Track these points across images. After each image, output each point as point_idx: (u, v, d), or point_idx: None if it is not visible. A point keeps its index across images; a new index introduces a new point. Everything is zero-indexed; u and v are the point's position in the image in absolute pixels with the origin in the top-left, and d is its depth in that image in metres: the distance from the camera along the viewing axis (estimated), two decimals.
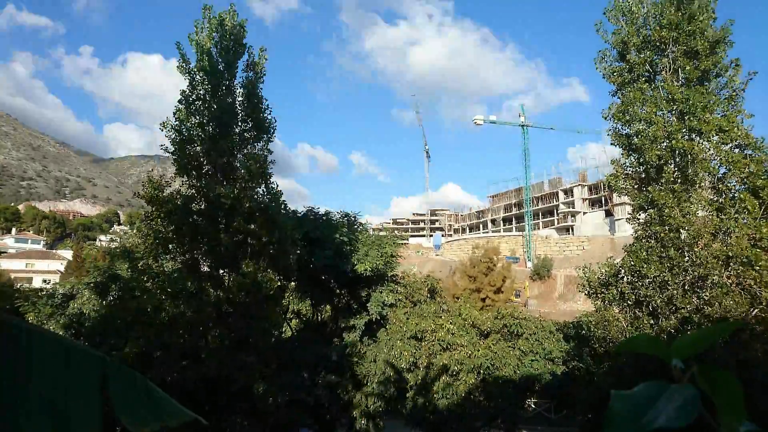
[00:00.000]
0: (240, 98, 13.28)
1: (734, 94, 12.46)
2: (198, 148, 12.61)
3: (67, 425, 1.19)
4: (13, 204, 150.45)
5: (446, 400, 16.99)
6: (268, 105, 13.55)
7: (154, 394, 1.39)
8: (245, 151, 13.21)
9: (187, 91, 12.77)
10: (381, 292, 18.03)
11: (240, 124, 13.20)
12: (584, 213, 78.31)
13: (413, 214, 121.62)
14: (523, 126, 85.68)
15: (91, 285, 18.16)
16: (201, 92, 12.77)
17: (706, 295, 11.21)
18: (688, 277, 11.55)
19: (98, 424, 1.24)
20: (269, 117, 13.53)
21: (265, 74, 13.58)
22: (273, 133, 13.64)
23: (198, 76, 12.73)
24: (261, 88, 13.53)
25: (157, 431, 1.34)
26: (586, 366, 16.44)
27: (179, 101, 12.69)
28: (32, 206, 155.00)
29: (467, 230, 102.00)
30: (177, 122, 12.58)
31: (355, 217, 19.39)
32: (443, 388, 17.20)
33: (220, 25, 12.89)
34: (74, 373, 1.27)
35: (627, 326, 12.38)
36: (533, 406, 27.40)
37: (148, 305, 12.22)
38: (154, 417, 1.34)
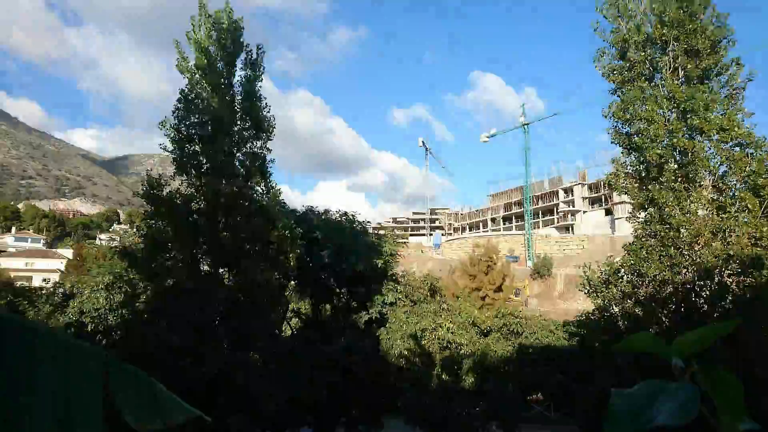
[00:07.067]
0: (239, 97, 13.26)
1: (734, 92, 12.46)
2: (197, 147, 12.59)
3: (70, 423, 1.20)
4: (12, 203, 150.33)
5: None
6: (267, 104, 13.54)
7: (157, 391, 1.39)
8: (244, 149, 13.20)
9: (186, 89, 12.75)
10: (381, 291, 18.03)
11: (239, 122, 13.18)
12: (584, 212, 78.29)
13: (413, 212, 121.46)
14: (524, 125, 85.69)
15: (100, 287, 18.20)
16: (200, 91, 12.74)
17: (706, 294, 11.21)
18: (688, 276, 11.54)
19: (100, 422, 1.24)
20: (268, 115, 13.52)
21: (263, 72, 13.57)
22: (272, 131, 13.62)
23: (197, 75, 12.70)
24: (260, 87, 13.51)
25: (162, 429, 1.34)
26: (586, 365, 16.44)
27: (178, 100, 12.67)
28: (32, 205, 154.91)
29: (467, 229, 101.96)
30: (176, 121, 12.57)
31: (354, 216, 19.38)
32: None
33: (218, 23, 12.85)
34: (76, 369, 1.27)
35: (627, 325, 12.38)
36: (534, 406, 27.42)
37: (149, 304, 12.22)
38: (158, 414, 1.34)
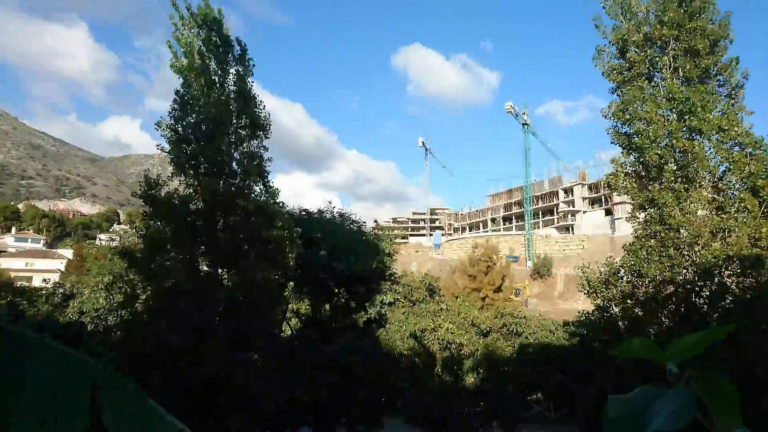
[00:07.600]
0: (234, 95, 13.21)
1: (733, 92, 12.45)
2: (194, 147, 12.57)
3: None
4: (12, 203, 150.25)
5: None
6: (261, 101, 13.52)
7: (145, 404, 1.36)
8: (241, 149, 13.18)
9: (182, 90, 12.71)
10: (379, 292, 18.01)
11: (235, 121, 13.14)
12: (584, 212, 78.30)
13: (413, 213, 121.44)
14: (524, 125, 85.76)
15: (100, 287, 18.21)
16: (195, 91, 12.70)
17: (706, 294, 11.20)
18: (688, 276, 11.53)
19: None
20: (263, 113, 13.48)
21: (254, 66, 13.54)
22: (268, 129, 13.57)
23: (191, 75, 12.65)
24: (252, 83, 13.49)
25: None
26: (586, 365, 16.44)
27: (174, 100, 12.64)
28: (32, 205, 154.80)
29: (467, 229, 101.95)
30: (173, 121, 12.54)
31: (349, 215, 19.42)
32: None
33: (204, 23, 12.77)
34: (64, 381, 1.25)
35: (627, 325, 12.38)
36: (534, 406, 27.41)
37: (149, 305, 12.20)
38: (143, 429, 1.30)
